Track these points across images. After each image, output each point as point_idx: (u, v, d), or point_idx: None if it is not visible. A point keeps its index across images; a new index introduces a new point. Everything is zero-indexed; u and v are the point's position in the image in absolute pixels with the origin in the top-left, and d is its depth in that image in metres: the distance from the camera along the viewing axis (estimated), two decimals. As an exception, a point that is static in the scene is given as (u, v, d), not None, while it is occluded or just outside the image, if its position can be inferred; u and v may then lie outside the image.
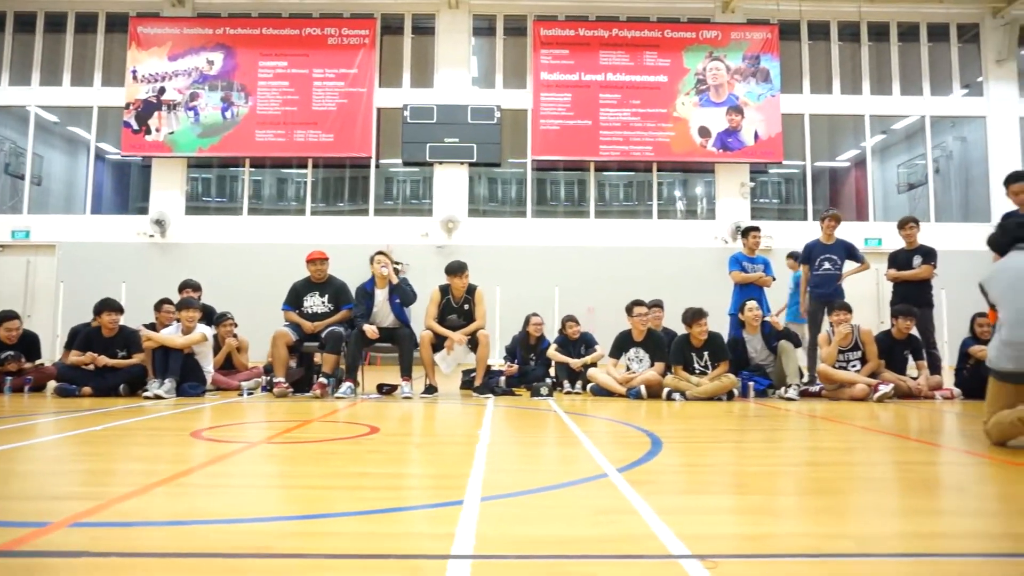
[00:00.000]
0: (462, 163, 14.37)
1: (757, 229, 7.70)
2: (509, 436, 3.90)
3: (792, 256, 9.04)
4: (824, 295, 7.36)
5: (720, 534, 1.90)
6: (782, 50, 14.68)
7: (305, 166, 14.80)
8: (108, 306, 6.10)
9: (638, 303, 6.75)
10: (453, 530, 1.87)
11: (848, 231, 7.69)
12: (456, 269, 6.49)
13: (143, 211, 14.58)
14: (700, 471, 2.96)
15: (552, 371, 7.31)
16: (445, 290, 6.58)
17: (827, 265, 7.43)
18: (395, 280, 6.48)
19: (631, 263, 13.98)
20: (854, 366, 6.43)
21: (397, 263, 13.83)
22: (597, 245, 14.26)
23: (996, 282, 3.55)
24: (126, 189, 15.63)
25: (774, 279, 7.46)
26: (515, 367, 7.37)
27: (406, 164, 14.59)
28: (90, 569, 1.56)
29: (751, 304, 6.79)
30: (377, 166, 14.65)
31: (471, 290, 6.63)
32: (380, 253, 6.58)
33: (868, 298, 13.00)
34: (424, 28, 15.01)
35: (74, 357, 6.06)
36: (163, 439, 3.69)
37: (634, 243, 14.33)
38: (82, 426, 4.02)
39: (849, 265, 7.51)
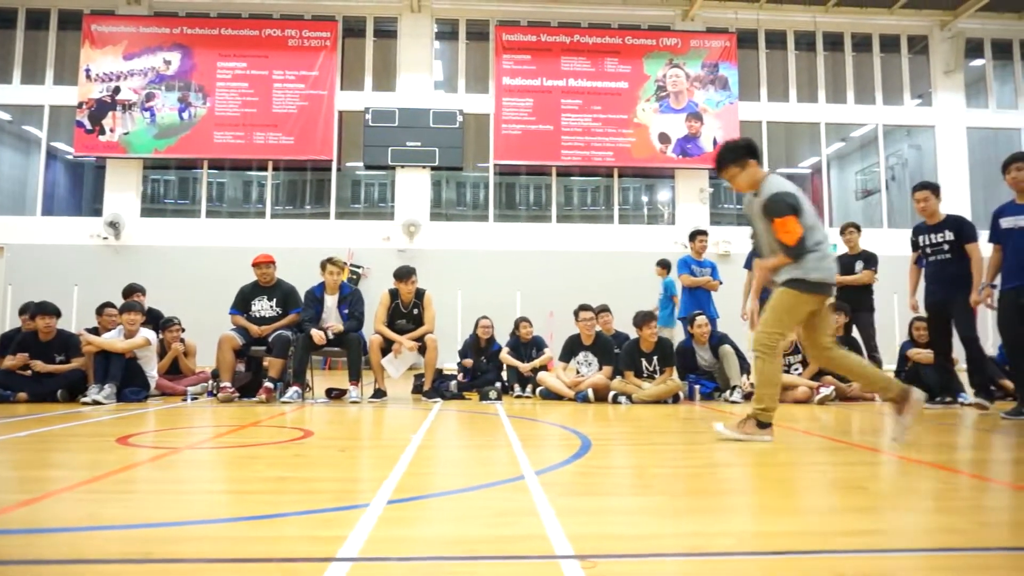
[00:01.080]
0: (424, 167, 14.34)
1: (704, 233, 7.84)
2: (442, 440, 3.91)
3: (661, 264, 9.38)
4: (768, 298, 7.49)
5: (607, 534, 1.93)
6: (740, 58, 14.94)
7: (264, 168, 14.64)
8: (43, 309, 5.97)
9: (584, 307, 6.80)
10: (346, 533, 1.87)
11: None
12: (404, 274, 6.47)
13: (96, 213, 14.29)
14: (614, 473, 3.00)
15: (504, 374, 7.33)
16: (394, 294, 6.56)
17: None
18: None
19: (593, 268, 14.09)
20: (796, 369, 6.57)
21: (357, 267, 13.82)
22: (559, 249, 14.34)
23: (802, 202, 3.70)
24: (79, 190, 15.31)
25: (721, 283, 7.58)
26: (469, 361, 7.34)
27: (367, 167, 14.52)
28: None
29: (700, 320, 6.90)
30: (339, 169, 14.55)
31: (420, 294, 6.63)
32: (331, 261, 6.52)
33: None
34: (386, 31, 14.97)
35: (8, 361, 5.91)
36: (85, 445, 3.62)
37: (596, 248, 14.44)
38: (6, 432, 3.93)
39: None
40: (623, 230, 14.82)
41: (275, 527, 2.01)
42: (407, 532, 1.93)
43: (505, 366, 7.26)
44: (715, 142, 14.57)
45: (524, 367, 7.05)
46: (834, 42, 15.53)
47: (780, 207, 3.61)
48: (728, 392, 6.38)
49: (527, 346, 7.34)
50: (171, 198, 14.94)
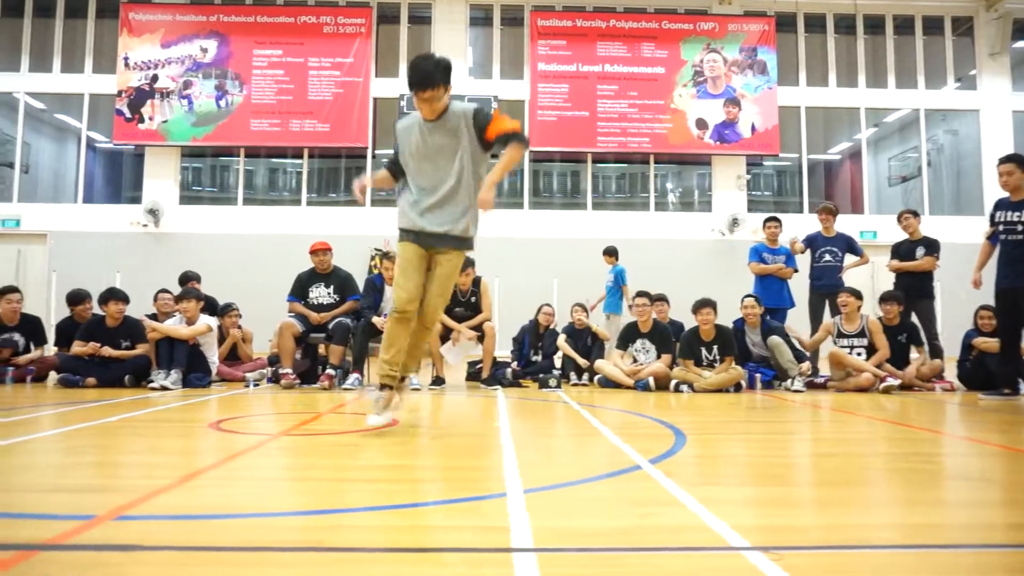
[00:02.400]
0: (459, 154, 14.27)
1: (776, 220, 7.68)
2: (529, 428, 3.90)
3: (608, 252, 9.72)
4: (825, 287, 7.41)
5: (773, 526, 1.90)
6: (779, 42, 14.69)
7: (300, 156, 14.67)
8: (114, 295, 6.03)
9: (641, 294, 6.76)
10: (504, 523, 1.86)
11: (843, 224, 7.77)
12: (462, 265, 6.45)
13: (135, 200, 14.42)
14: (731, 462, 2.97)
15: (558, 362, 7.31)
16: (452, 282, 6.54)
17: (828, 257, 7.47)
18: None
19: (628, 255, 13.95)
20: (859, 353, 6.48)
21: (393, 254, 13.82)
22: (595, 237, 14.21)
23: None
24: (117, 178, 15.45)
25: (796, 270, 7.45)
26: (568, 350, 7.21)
27: (403, 154, 14.48)
28: (146, 563, 1.54)
29: (748, 301, 6.82)
30: (374, 156, 14.54)
31: (476, 282, 6.63)
32: (386, 257, 6.53)
33: (863, 291, 13.04)
34: (420, 17, 14.88)
35: (77, 347, 5.98)
36: (180, 431, 3.65)
37: (631, 235, 14.29)
38: (94, 417, 3.97)
39: (849, 258, 7.57)
40: (658, 217, 14.70)
41: (427, 516, 2.00)
42: (564, 523, 1.91)
43: (561, 354, 7.24)
44: (753, 128, 14.40)
45: (580, 358, 6.98)
46: (875, 25, 15.21)
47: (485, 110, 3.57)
48: (789, 381, 6.31)
49: (582, 333, 7.32)
50: (207, 186, 15.04)
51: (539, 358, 7.43)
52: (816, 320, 7.49)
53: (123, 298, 6.09)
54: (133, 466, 2.70)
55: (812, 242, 7.49)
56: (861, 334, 6.50)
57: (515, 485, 2.30)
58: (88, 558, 1.57)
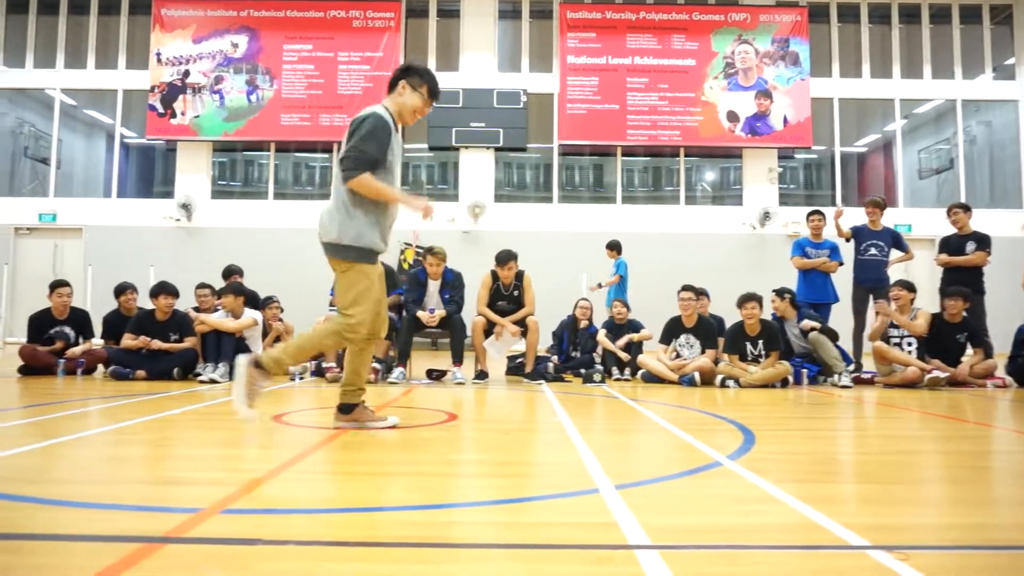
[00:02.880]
0: (488, 148, 14.28)
1: (819, 213, 7.56)
2: (591, 423, 3.88)
3: (611, 246, 9.78)
4: (869, 281, 7.31)
5: (886, 525, 1.87)
6: (811, 33, 14.48)
7: (328, 150, 14.73)
8: (164, 289, 6.10)
9: (686, 288, 6.70)
10: (611, 519, 1.85)
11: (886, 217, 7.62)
12: (503, 259, 6.46)
13: (167, 195, 14.57)
14: (814, 460, 2.93)
15: (598, 356, 7.28)
16: (495, 276, 6.55)
17: (873, 251, 7.37)
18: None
19: (658, 249, 13.91)
20: (908, 344, 6.39)
21: (421, 248, 13.85)
22: (624, 231, 14.13)
23: None
24: (148, 173, 15.61)
25: (841, 263, 7.34)
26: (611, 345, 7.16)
27: (432, 149, 14.51)
28: (272, 557, 1.55)
29: (772, 295, 6.74)
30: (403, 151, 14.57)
31: (519, 276, 6.61)
32: (431, 252, 6.55)
33: (924, 289, 12.71)
34: (449, 11, 14.85)
35: (128, 340, 6.06)
36: (249, 424, 3.67)
37: (660, 229, 14.24)
38: (157, 410, 4.02)
39: (894, 254, 7.46)
40: (688, 211, 14.58)
41: (529, 511, 2.00)
42: (672, 519, 1.89)
43: (601, 348, 7.21)
44: (785, 120, 14.22)
45: (623, 353, 6.95)
46: (910, 14, 14.93)
47: None
48: (836, 376, 6.23)
49: (623, 328, 7.28)
50: (238, 180, 15.15)
51: (578, 353, 7.42)
52: (859, 315, 7.40)
53: (173, 292, 6.16)
54: (216, 459, 2.72)
55: (857, 235, 7.38)
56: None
57: (603, 481, 2.29)
58: (215, 551, 1.58)
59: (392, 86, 3.35)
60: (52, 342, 6.41)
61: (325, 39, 14.30)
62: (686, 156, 14.78)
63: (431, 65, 14.64)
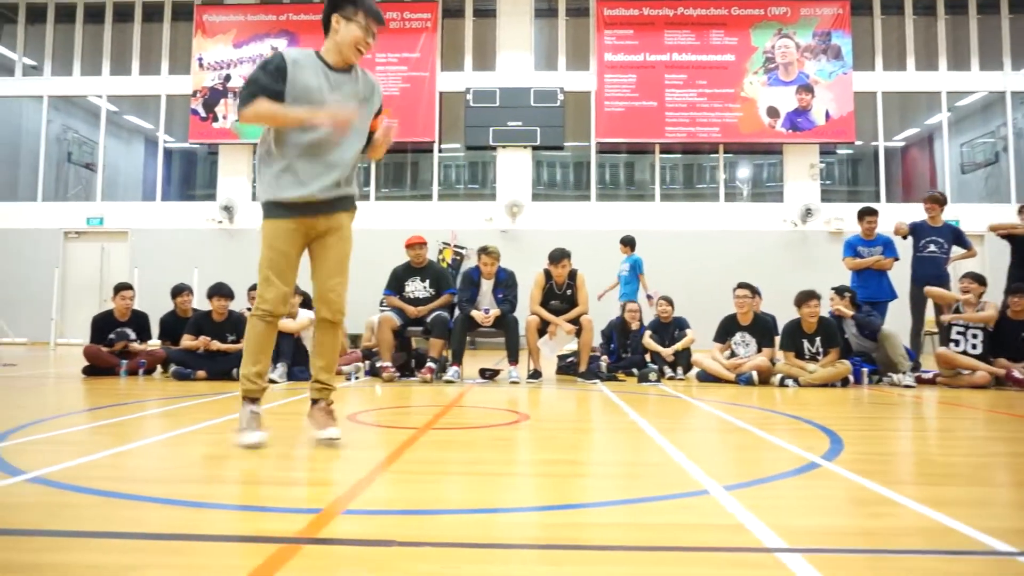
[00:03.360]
0: (525, 147, 14.26)
1: (873, 212, 7.38)
2: (666, 423, 3.84)
3: (624, 241, 9.63)
4: (929, 278, 7.13)
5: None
6: (854, 25, 14.22)
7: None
8: (220, 291, 6.19)
9: (742, 286, 6.61)
10: (735, 521, 1.82)
11: (921, 212, 7.44)
12: (557, 258, 6.44)
13: (209, 198, 14.82)
14: (912, 461, 2.86)
15: (648, 356, 7.22)
16: (548, 275, 6.53)
17: (932, 248, 7.19)
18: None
19: (697, 247, 13.81)
20: (973, 338, 6.22)
21: (460, 248, 13.90)
22: (663, 229, 14.08)
23: None
24: (190, 176, 15.89)
25: (896, 259, 7.18)
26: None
27: (469, 148, 14.54)
28: (415, 559, 1.54)
29: (829, 294, 6.61)
30: (440, 151, 14.63)
31: (572, 275, 6.59)
32: (485, 252, 6.53)
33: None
34: (485, 11, 14.88)
35: (188, 341, 6.16)
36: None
37: (700, 227, 14.11)
38: (231, 410, 4.06)
39: (956, 251, 7.27)
40: (728, 208, 14.42)
41: (651, 512, 1.97)
42: (800, 521, 1.85)
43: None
44: (827, 115, 13.99)
45: (665, 352, 6.89)
46: (956, 4, 14.59)
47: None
48: (899, 376, 6.10)
49: (668, 327, 7.22)
50: (277, 182, 15.34)
51: (627, 354, 7.36)
52: (918, 314, 7.23)
53: (228, 294, 6.25)
54: (309, 459, 2.73)
55: (916, 231, 7.21)
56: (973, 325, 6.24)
57: (708, 482, 2.26)
58: (353, 552, 1.59)
59: (326, 26, 2.87)
60: (111, 343, 6.54)
61: (363, 41, 14.38)
62: (725, 153, 14.62)
63: (467, 65, 14.70)
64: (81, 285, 14.56)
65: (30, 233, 14.44)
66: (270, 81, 2.76)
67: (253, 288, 7.25)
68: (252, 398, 2.96)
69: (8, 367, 7.44)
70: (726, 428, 3.61)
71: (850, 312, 6.53)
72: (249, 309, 6.97)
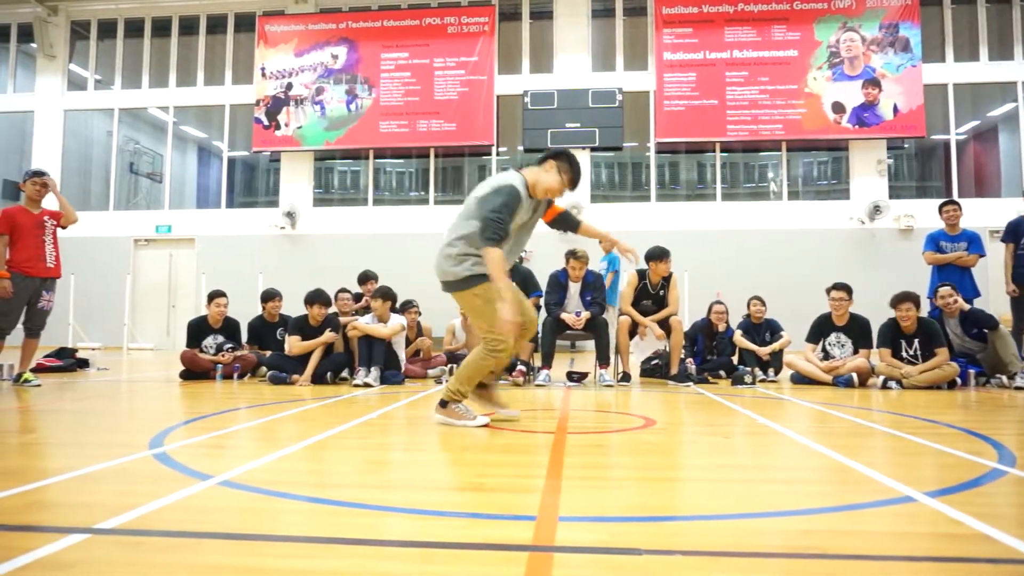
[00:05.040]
0: (584, 148, 14.20)
1: (954, 203, 7.17)
2: (802, 426, 3.74)
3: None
4: (1031, 278, 6.87)
5: None
6: (923, 16, 13.81)
7: (424, 156, 14.95)
8: (319, 298, 6.26)
9: (837, 287, 6.44)
10: (972, 529, 1.75)
11: (996, 208, 7.14)
12: (658, 255, 6.37)
13: (272, 204, 15.10)
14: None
15: (735, 358, 7.10)
16: (642, 275, 6.47)
17: (1029, 243, 6.92)
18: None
19: (760, 246, 13.57)
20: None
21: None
22: (725, 228, 13.88)
23: None
24: (252, 184, 16.22)
25: (982, 255, 6.94)
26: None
27: (527, 151, 14.53)
28: (665, 567, 1.51)
29: (943, 291, 6.38)
30: (499, 154, 14.66)
31: (667, 277, 6.51)
32: (574, 256, 6.47)
33: None
34: (542, 13, 14.87)
35: (299, 344, 6.21)
36: (438, 428, 3.70)
37: (763, 226, 13.86)
38: (353, 415, 4.10)
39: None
40: (792, 206, 14.13)
41: (869, 520, 1.91)
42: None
43: (738, 349, 7.03)
44: (895, 109, 13.61)
45: (762, 351, 6.80)
46: (1031, -9, 14.07)
47: None
48: (1010, 377, 5.87)
49: (759, 328, 7.09)
50: (338, 188, 15.56)
51: (714, 356, 7.25)
52: (1019, 312, 6.96)
53: (326, 302, 6.33)
54: (477, 464, 2.73)
55: (1016, 228, 6.94)
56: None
57: (906, 489, 2.18)
58: (604, 560, 1.56)
59: (542, 159, 3.60)
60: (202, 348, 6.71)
61: (421, 46, 14.53)
62: (788, 150, 14.34)
63: (525, 68, 14.72)
64: (150, 291, 14.97)
65: (103, 241, 14.90)
66: (510, 219, 3.40)
67: (342, 291, 7.34)
68: (458, 400, 3.65)
69: (102, 371, 7.66)
70: (869, 432, 3.50)
71: (967, 307, 6.31)
72: (336, 313, 7.10)
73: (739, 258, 13.51)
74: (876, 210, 13.60)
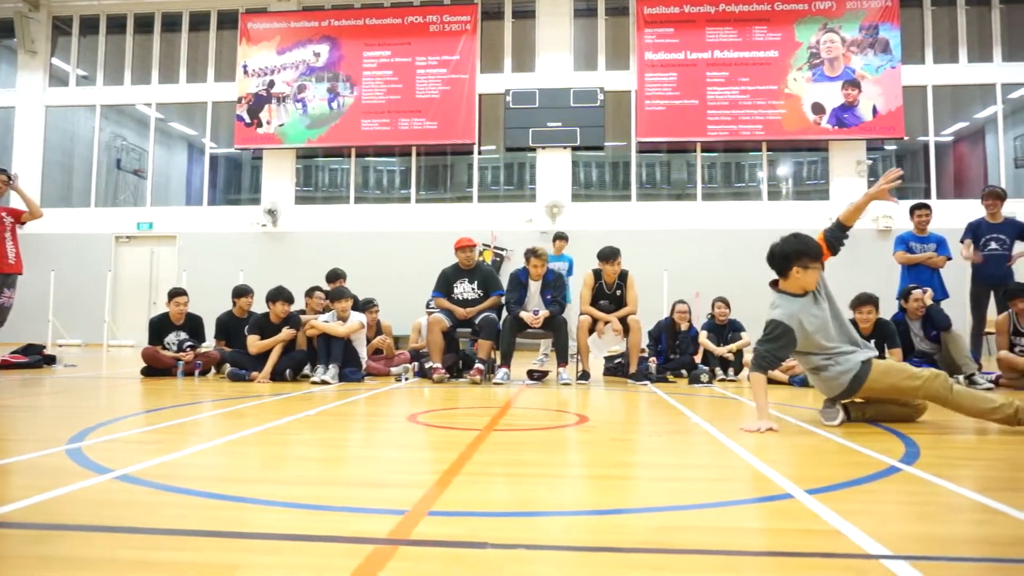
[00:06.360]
0: (565, 147, 14.23)
1: (926, 207, 7.23)
2: (730, 425, 3.78)
3: (560, 237, 9.10)
4: (991, 277, 6.93)
5: None
6: (903, 18, 13.85)
7: (406, 154, 14.96)
8: (281, 296, 6.29)
9: (866, 300, 6.45)
10: (828, 526, 1.78)
11: (976, 208, 7.21)
12: (609, 255, 6.40)
13: (254, 202, 15.10)
14: (1004, 466, 2.77)
15: (699, 357, 7.14)
16: (598, 274, 6.50)
17: (994, 245, 6.98)
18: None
19: (741, 246, 13.58)
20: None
21: (501, 249, 13.93)
22: (705, 228, 13.92)
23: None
24: (235, 181, 16.22)
25: (949, 258, 7.01)
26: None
27: (508, 150, 14.56)
28: (504, 560, 1.54)
29: (916, 294, 6.43)
30: (480, 152, 14.68)
31: (622, 275, 6.54)
32: (534, 254, 6.49)
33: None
34: (524, 12, 14.88)
35: (258, 342, 6.24)
36: (389, 424, 3.73)
37: (743, 226, 13.90)
38: (294, 411, 4.12)
39: (1018, 247, 7.05)
40: (772, 207, 14.17)
41: (739, 516, 1.94)
42: (899, 527, 1.80)
43: (702, 349, 7.07)
44: (875, 110, 13.66)
45: (720, 351, 6.84)
46: (1011, -7, 14.12)
47: None
48: (966, 378, 5.91)
49: (723, 328, 7.13)
50: (319, 186, 15.56)
51: (676, 355, 7.28)
52: (979, 312, 7.03)
53: (289, 299, 6.35)
54: (385, 460, 2.76)
55: (976, 229, 7.00)
56: (1025, 331, 6.03)
57: (789, 486, 2.22)
58: (448, 554, 1.59)
59: (783, 272, 3.65)
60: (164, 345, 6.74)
61: (403, 45, 14.54)
62: (768, 151, 14.38)
63: (507, 67, 14.73)
64: (132, 288, 14.97)
65: (84, 238, 14.89)
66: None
67: (311, 291, 7.37)
68: None
69: (69, 368, 7.67)
70: (794, 431, 3.54)
71: (930, 302, 6.36)
72: (303, 311, 7.12)
73: (720, 258, 13.53)
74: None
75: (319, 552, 1.59)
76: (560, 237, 9.23)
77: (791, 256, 3.56)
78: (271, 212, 14.67)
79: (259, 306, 7.22)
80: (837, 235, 3.72)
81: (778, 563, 1.55)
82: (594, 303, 6.49)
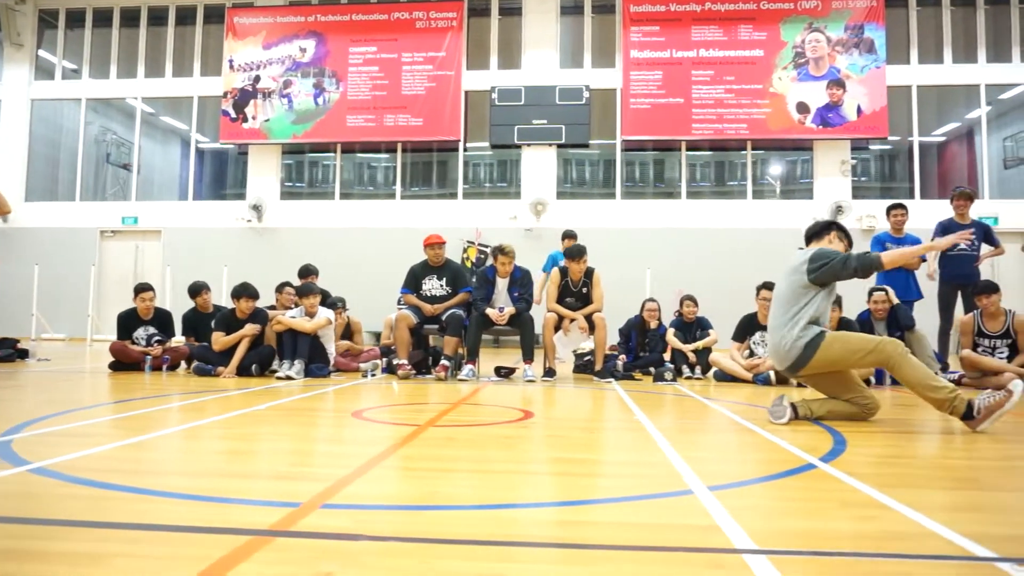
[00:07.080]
0: (550, 145, 14.23)
1: (902, 207, 7.24)
2: (672, 423, 3.81)
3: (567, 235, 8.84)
4: (958, 277, 6.96)
5: (1014, 536, 1.76)
6: (888, 18, 13.87)
7: (392, 150, 14.96)
8: (246, 292, 6.30)
9: (766, 286, 6.50)
10: (711, 522, 1.80)
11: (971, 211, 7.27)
12: (575, 253, 6.42)
13: (239, 197, 15.09)
14: (915, 464, 2.80)
15: (668, 355, 7.16)
16: (564, 272, 6.52)
17: (962, 245, 6.97)
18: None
19: (725, 244, 13.63)
20: (1001, 353, 6.04)
21: (485, 247, 13.93)
22: (690, 226, 13.94)
23: None
24: (221, 176, 16.21)
25: (923, 260, 7.04)
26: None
27: (494, 147, 14.56)
28: (375, 552, 1.56)
29: (877, 295, 6.47)
30: (465, 149, 14.68)
31: (588, 273, 6.56)
32: (502, 252, 6.51)
33: (1012, 285, 11.92)
34: (511, 9, 14.87)
35: (222, 340, 6.26)
36: (331, 420, 3.75)
37: (727, 224, 13.93)
38: (243, 405, 4.14)
39: (984, 248, 7.08)
40: (756, 205, 14.20)
41: (631, 512, 1.96)
42: (779, 524, 1.83)
43: (670, 347, 7.09)
44: (859, 110, 13.68)
45: (688, 348, 6.87)
46: (996, -6, 14.13)
47: None
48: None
49: (691, 326, 7.15)
50: (305, 181, 15.56)
51: (646, 353, 7.31)
52: (947, 312, 7.06)
53: (254, 295, 6.37)
54: (306, 454, 2.78)
55: (945, 229, 7.02)
56: (1006, 334, 6.04)
57: (695, 482, 2.24)
58: (321, 546, 1.60)
59: (820, 235, 4.06)
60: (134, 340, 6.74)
61: (389, 41, 14.53)
62: (753, 149, 14.40)
63: (493, 64, 14.73)
64: (116, 283, 14.95)
65: (68, 232, 14.88)
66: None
67: (281, 286, 7.39)
68: None
69: (42, 362, 7.68)
70: (730, 428, 3.56)
71: (896, 301, 6.39)
72: (273, 307, 7.15)
73: (704, 256, 13.57)
74: (839, 210, 13.68)
75: (184, 543, 1.60)
76: (569, 236, 9.18)
77: (832, 225, 4.06)
78: (256, 208, 14.66)
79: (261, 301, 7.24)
80: (867, 267, 3.79)
81: (649, 557, 1.57)
82: (560, 300, 6.51)
